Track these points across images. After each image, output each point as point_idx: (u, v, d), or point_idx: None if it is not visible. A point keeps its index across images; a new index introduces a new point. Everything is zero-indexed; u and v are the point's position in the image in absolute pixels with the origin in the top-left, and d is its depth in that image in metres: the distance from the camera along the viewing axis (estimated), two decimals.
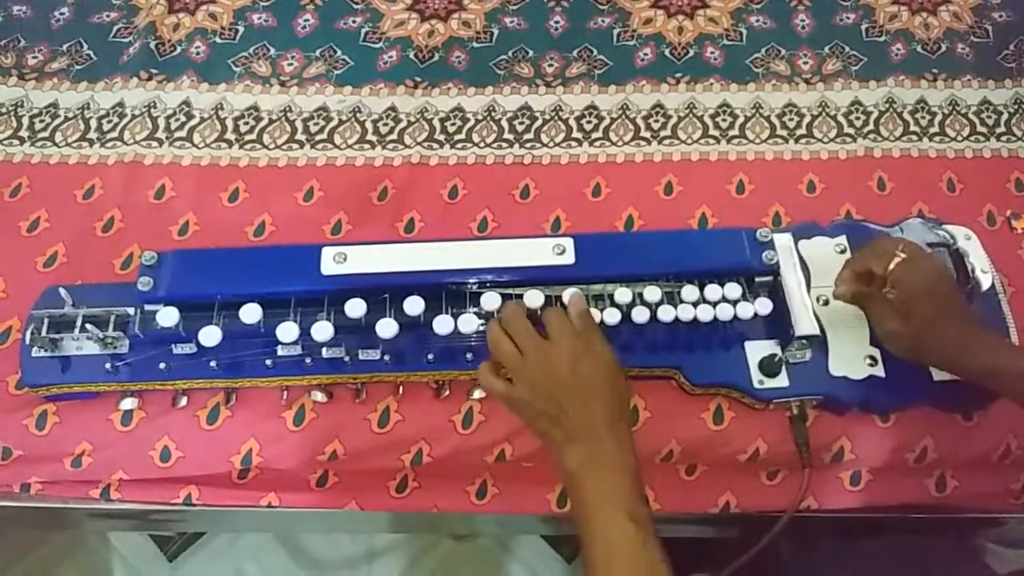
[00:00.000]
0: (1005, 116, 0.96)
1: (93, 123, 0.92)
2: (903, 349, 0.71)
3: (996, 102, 0.97)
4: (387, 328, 0.70)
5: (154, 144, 0.91)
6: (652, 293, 0.73)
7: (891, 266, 0.67)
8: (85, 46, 0.99)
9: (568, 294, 0.71)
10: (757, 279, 0.75)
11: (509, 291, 0.73)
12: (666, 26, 1.03)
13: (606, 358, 0.66)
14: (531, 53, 1.00)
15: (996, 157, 0.93)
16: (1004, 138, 0.94)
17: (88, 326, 0.70)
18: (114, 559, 1.34)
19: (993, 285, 0.77)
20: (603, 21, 1.04)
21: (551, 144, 0.92)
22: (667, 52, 1.01)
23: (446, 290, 0.73)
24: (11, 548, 1.32)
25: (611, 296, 0.73)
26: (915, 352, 0.70)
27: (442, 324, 0.70)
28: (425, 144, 0.92)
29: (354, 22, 1.02)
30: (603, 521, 0.60)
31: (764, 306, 0.73)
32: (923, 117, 0.95)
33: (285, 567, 1.35)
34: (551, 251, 0.74)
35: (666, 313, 0.72)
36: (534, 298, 0.71)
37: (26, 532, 1.32)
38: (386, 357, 0.72)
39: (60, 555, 1.33)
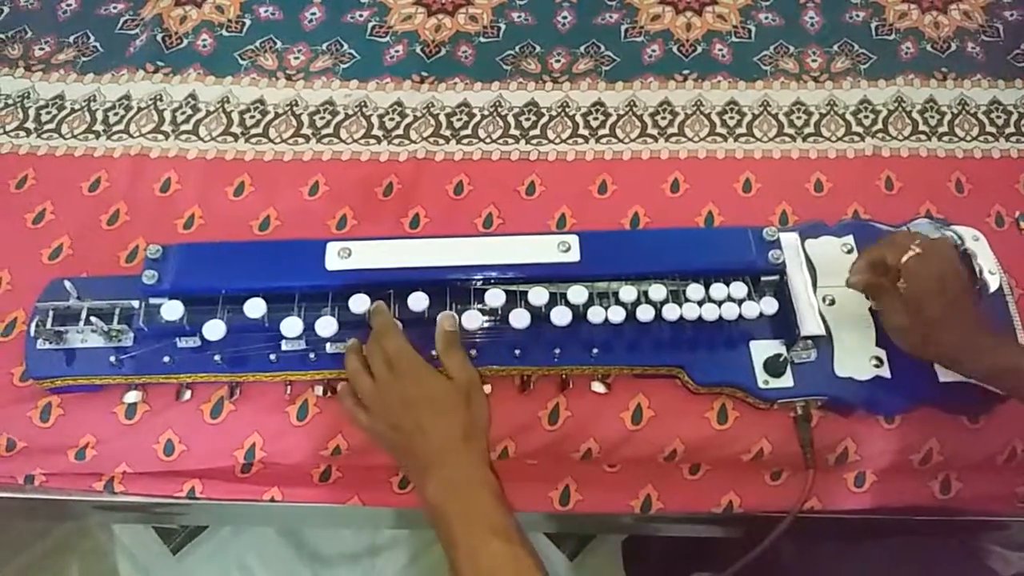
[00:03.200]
0: (1015, 116, 0.95)
1: (99, 115, 0.92)
2: (911, 344, 0.70)
3: (1006, 102, 0.96)
4: None
5: (160, 137, 0.91)
6: (657, 291, 0.72)
7: (905, 258, 0.66)
8: (92, 38, 0.99)
9: (441, 316, 0.71)
10: (763, 278, 0.75)
11: (513, 288, 0.72)
12: (674, 22, 1.03)
13: (459, 375, 0.67)
14: (538, 48, 1.00)
15: (1005, 158, 0.92)
16: (1014, 139, 0.93)
17: (93, 319, 0.70)
18: (118, 551, 1.35)
19: (1001, 287, 0.76)
20: (611, 17, 1.03)
21: (557, 140, 0.92)
22: (675, 49, 1.00)
23: (450, 286, 0.73)
24: (15, 539, 1.32)
25: (616, 294, 0.73)
26: (922, 348, 0.70)
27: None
28: (431, 139, 0.92)
29: (361, 16, 1.02)
30: (466, 544, 0.60)
31: (770, 305, 0.73)
32: (932, 116, 0.95)
33: (288, 561, 1.35)
34: (556, 248, 0.73)
35: (671, 312, 0.72)
36: (538, 295, 0.71)
37: (30, 524, 1.33)
38: None
39: (64, 546, 1.33)
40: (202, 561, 1.36)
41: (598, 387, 0.75)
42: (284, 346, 0.72)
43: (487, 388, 0.73)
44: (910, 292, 0.67)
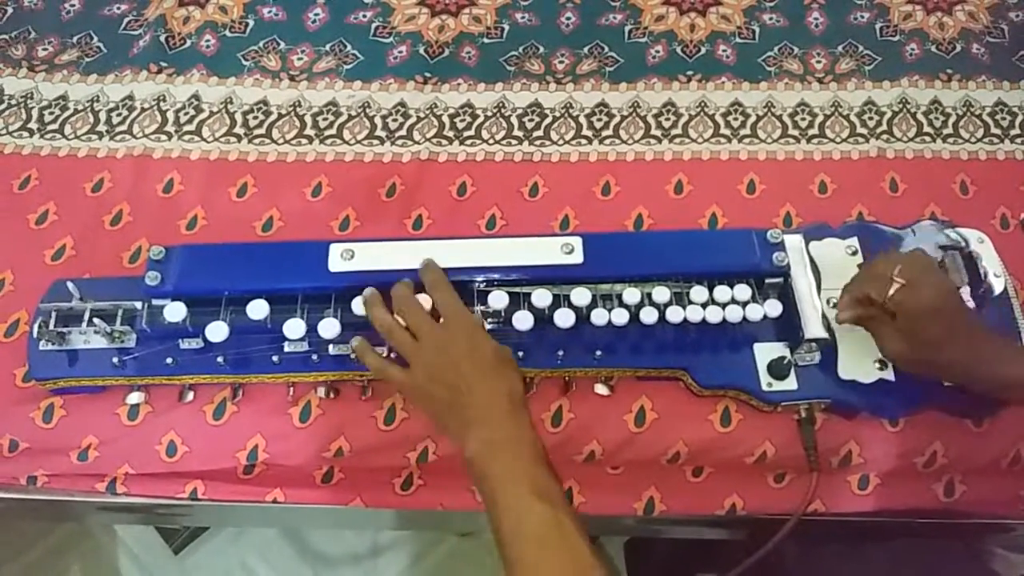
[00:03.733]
0: (1020, 118, 0.95)
1: (102, 116, 0.92)
2: (910, 368, 0.70)
3: (1011, 103, 0.96)
4: None
5: (163, 137, 0.91)
6: (661, 293, 0.72)
7: (891, 293, 0.66)
8: (95, 38, 0.99)
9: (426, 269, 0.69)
10: (767, 280, 0.75)
11: (517, 290, 0.72)
12: (678, 23, 1.03)
13: (500, 345, 0.66)
14: (542, 49, 1.00)
15: (1010, 159, 0.92)
16: (1019, 140, 0.93)
17: (95, 320, 0.70)
18: (120, 551, 1.35)
19: (1005, 289, 0.76)
20: (615, 18, 1.03)
21: (561, 142, 0.92)
22: (679, 50, 1.00)
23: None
24: (17, 540, 1.32)
25: (619, 296, 0.72)
26: (924, 369, 0.70)
27: None
28: (434, 140, 0.91)
29: (364, 16, 1.02)
30: (509, 503, 0.59)
31: (774, 308, 0.73)
32: (937, 118, 0.94)
33: (290, 561, 1.35)
34: (559, 250, 0.73)
35: (675, 314, 0.72)
36: (542, 297, 0.71)
37: (32, 524, 1.33)
38: (393, 355, 0.72)
39: (66, 547, 1.34)
40: (204, 561, 1.36)
41: (601, 389, 0.74)
42: (287, 347, 0.72)
43: None
44: (903, 324, 0.67)
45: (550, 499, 0.59)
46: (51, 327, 0.70)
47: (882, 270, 0.67)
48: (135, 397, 0.73)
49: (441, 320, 0.67)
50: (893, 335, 0.68)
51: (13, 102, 0.93)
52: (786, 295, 0.74)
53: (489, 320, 0.72)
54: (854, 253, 0.78)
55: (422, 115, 0.93)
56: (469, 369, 0.64)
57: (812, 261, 0.76)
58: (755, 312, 0.72)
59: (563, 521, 0.58)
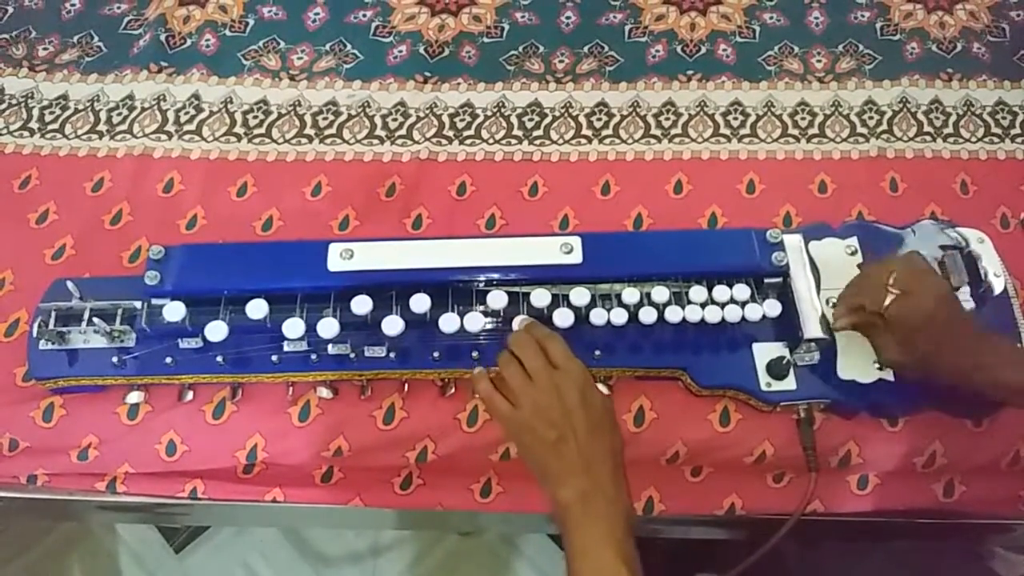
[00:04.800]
0: (1021, 117, 0.94)
1: (103, 115, 0.92)
2: (909, 373, 0.70)
3: (1012, 103, 0.96)
4: (393, 325, 0.70)
5: (163, 137, 0.91)
6: (660, 293, 0.72)
7: (886, 303, 0.65)
8: (95, 38, 0.99)
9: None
10: (766, 280, 0.75)
11: (516, 289, 0.72)
12: (678, 22, 1.02)
13: (608, 399, 0.66)
14: (542, 49, 1.00)
15: (1011, 159, 0.91)
16: (1019, 140, 0.93)
17: (95, 319, 0.70)
18: (120, 549, 1.35)
19: (1005, 289, 0.76)
20: (615, 17, 1.03)
21: (560, 141, 0.92)
22: (679, 49, 1.00)
23: (453, 288, 0.73)
24: (18, 539, 1.33)
25: (618, 296, 0.73)
26: (923, 375, 0.70)
27: (448, 322, 0.70)
28: (434, 140, 0.91)
29: (364, 16, 1.02)
30: (597, 560, 0.59)
31: (773, 308, 0.73)
32: (937, 117, 0.94)
33: (290, 560, 1.35)
34: (559, 250, 0.73)
35: (674, 314, 0.72)
36: (541, 297, 0.71)
37: (32, 523, 1.33)
38: (392, 354, 0.72)
39: (66, 546, 1.34)
40: (205, 560, 1.36)
41: (600, 388, 0.74)
42: (286, 347, 0.72)
43: None
44: (900, 334, 0.67)
45: (633, 569, 0.59)
46: (51, 326, 0.71)
47: (877, 279, 0.67)
48: (135, 396, 0.73)
49: (555, 366, 0.66)
50: (890, 343, 0.68)
51: (14, 102, 0.93)
52: (785, 295, 0.74)
53: (488, 320, 0.72)
54: (854, 253, 0.78)
55: (422, 114, 0.93)
56: (580, 417, 0.64)
57: (812, 261, 0.76)
58: (754, 312, 0.72)
59: None
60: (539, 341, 0.68)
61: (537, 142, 0.92)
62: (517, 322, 0.71)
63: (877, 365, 0.73)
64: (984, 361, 0.66)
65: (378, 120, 0.93)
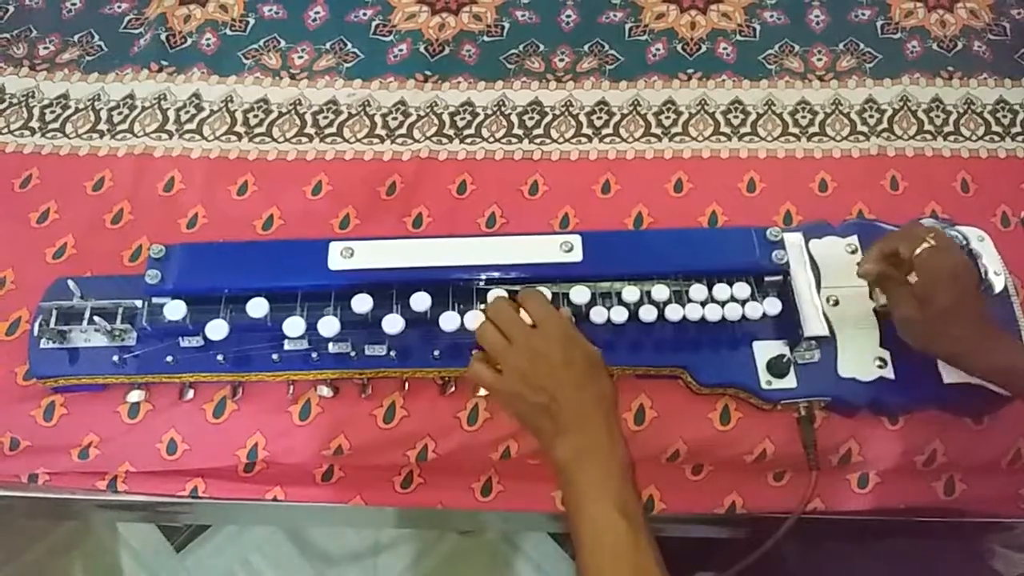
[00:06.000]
0: (1021, 116, 0.94)
1: (103, 114, 0.92)
2: (918, 337, 0.69)
3: (1012, 101, 0.95)
4: (393, 324, 0.70)
5: (164, 136, 0.91)
6: (660, 292, 0.72)
7: (919, 250, 0.66)
8: (96, 37, 0.99)
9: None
10: (766, 278, 0.75)
11: (516, 288, 0.72)
12: (678, 21, 1.02)
13: (593, 348, 0.66)
14: (542, 47, 1.00)
15: (1011, 157, 0.91)
16: (1020, 138, 0.93)
17: (96, 318, 0.70)
18: (121, 548, 1.35)
19: (1006, 287, 0.76)
20: (615, 16, 1.03)
21: (561, 140, 0.92)
22: (679, 48, 1.00)
23: (453, 286, 0.73)
24: (19, 538, 1.33)
25: (619, 294, 0.73)
26: (928, 341, 0.69)
27: (448, 320, 0.70)
28: (434, 139, 0.91)
29: (365, 15, 1.02)
30: (593, 514, 0.59)
31: (773, 306, 0.73)
32: (938, 116, 0.94)
33: (291, 559, 1.35)
34: (559, 248, 0.73)
35: (674, 312, 0.72)
36: None
37: (33, 522, 1.33)
38: (392, 353, 0.72)
39: (67, 545, 1.34)
40: (206, 558, 1.36)
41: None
42: (287, 346, 0.72)
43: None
44: (921, 284, 0.67)
45: (631, 517, 0.59)
46: (52, 325, 0.71)
47: (918, 231, 0.68)
48: (136, 395, 0.73)
49: (534, 326, 0.66)
50: (908, 299, 0.68)
51: (14, 101, 0.93)
52: (786, 293, 0.74)
53: None
54: (854, 251, 0.78)
55: (422, 113, 0.93)
56: (564, 375, 0.63)
57: (812, 259, 0.76)
58: (754, 310, 0.72)
59: (640, 541, 0.58)
60: (517, 301, 0.67)
61: (537, 141, 0.92)
62: (491, 296, 0.70)
63: (878, 363, 0.73)
64: (987, 341, 0.67)
65: (378, 119, 0.93)
